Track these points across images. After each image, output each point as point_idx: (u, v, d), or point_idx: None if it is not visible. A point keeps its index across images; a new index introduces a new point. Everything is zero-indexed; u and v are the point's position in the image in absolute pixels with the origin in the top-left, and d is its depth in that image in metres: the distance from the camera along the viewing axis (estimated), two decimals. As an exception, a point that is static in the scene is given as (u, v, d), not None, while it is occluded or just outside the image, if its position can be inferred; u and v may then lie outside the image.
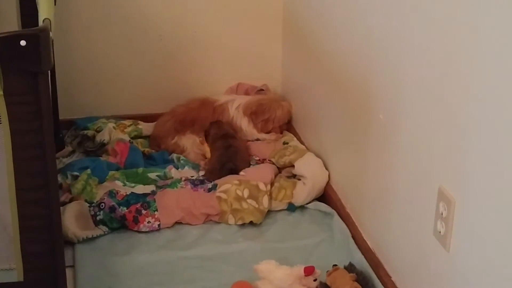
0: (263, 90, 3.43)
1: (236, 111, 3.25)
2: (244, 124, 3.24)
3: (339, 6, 2.65)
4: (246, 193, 2.73)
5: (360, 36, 2.43)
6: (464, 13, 1.73)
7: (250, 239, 2.62)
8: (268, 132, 3.26)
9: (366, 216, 2.51)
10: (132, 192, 2.74)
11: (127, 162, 2.99)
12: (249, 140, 3.24)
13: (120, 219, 2.64)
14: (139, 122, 3.33)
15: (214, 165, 2.95)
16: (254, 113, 3.24)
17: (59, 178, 2.77)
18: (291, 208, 2.80)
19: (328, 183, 2.84)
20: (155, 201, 2.69)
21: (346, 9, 2.57)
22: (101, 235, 2.61)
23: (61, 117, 3.13)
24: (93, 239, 2.59)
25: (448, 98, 1.83)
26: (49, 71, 1.76)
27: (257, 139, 3.25)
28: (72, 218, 2.58)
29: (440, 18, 1.85)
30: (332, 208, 2.74)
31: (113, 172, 2.90)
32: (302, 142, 3.16)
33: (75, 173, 2.83)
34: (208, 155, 3.10)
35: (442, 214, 1.89)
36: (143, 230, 2.65)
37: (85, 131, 3.19)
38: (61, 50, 3.09)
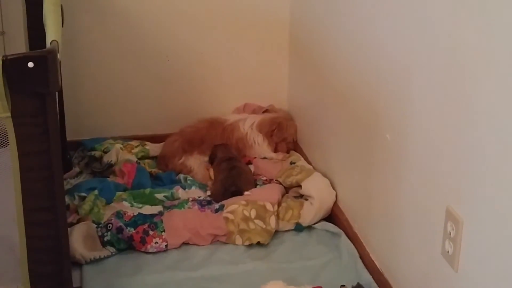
0: (268, 110, 3.45)
1: (250, 129, 3.27)
2: (260, 141, 3.26)
3: (345, 26, 2.66)
4: (253, 213, 2.73)
5: (367, 56, 2.44)
6: (473, 32, 1.73)
7: (258, 259, 2.62)
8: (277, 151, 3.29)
9: (373, 236, 2.51)
10: (139, 213, 2.74)
11: (134, 183, 3.00)
12: (255, 158, 3.25)
13: (127, 240, 2.64)
14: (146, 142, 3.34)
15: (218, 188, 2.95)
16: (275, 134, 3.27)
17: (67, 199, 2.78)
18: (299, 228, 2.79)
19: (335, 203, 2.84)
20: (162, 222, 2.69)
21: (353, 28, 2.58)
22: (108, 256, 2.61)
23: (68, 138, 3.14)
24: (100, 260, 2.58)
25: (455, 117, 1.83)
26: (56, 93, 1.76)
27: (264, 157, 3.25)
28: (79, 239, 2.58)
29: (447, 36, 1.86)
30: (340, 228, 2.73)
31: (121, 193, 2.90)
32: (309, 162, 3.16)
33: (83, 194, 2.84)
34: (213, 177, 3.11)
35: (450, 234, 1.88)
36: (150, 251, 2.65)
37: (93, 152, 3.20)
38: (68, 71, 3.10)
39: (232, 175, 2.98)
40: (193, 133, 3.25)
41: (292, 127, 3.35)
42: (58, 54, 1.71)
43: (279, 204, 2.81)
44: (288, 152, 3.31)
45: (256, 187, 2.98)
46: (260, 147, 3.27)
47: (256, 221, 2.72)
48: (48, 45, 1.82)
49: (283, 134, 3.30)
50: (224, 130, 3.26)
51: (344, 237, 2.66)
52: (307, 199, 2.85)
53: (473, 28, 1.72)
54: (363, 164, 2.55)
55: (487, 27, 1.66)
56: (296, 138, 3.36)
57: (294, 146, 3.35)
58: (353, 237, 2.64)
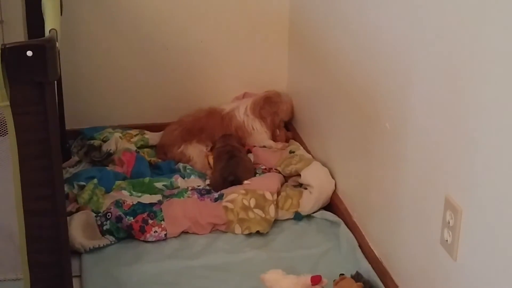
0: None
1: (245, 116, 3.26)
2: (257, 126, 3.25)
3: (344, 15, 2.65)
4: (252, 202, 2.73)
5: (367, 45, 2.43)
6: (471, 23, 1.73)
7: (257, 248, 2.62)
8: (275, 133, 3.27)
9: (373, 225, 2.51)
10: (138, 202, 2.74)
11: (134, 172, 3.00)
12: (254, 146, 3.24)
13: (126, 229, 2.64)
14: (146, 131, 3.34)
15: (217, 178, 2.95)
16: (263, 108, 3.26)
17: (66, 188, 2.78)
18: (298, 217, 2.79)
19: (334, 192, 2.84)
20: (161, 211, 2.69)
21: (353, 17, 2.57)
22: (107, 245, 2.61)
23: (67, 127, 3.13)
24: (99, 249, 2.59)
25: (454, 106, 1.83)
26: (55, 81, 1.76)
27: (264, 146, 3.25)
28: (78, 228, 2.58)
29: (446, 27, 1.86)
30: (339, 217, 2.73)
31: (120, 182, 2.90)
32: (308, 151, 3.15)
33: (82, 183, 2.84)
34: (212, 166, 3.11)
35: (449, 223, 1.88)
36: (149, 239, 2.65)
37: (92, 141, 3.20)
38: (67, 60, 3.09)
39: (230, 165, 2.97)
40: (192, 122, 3.25)
41: (284, 103, 3.32)
42: (57, 43, 1.70)
43: (278, 193, 2.81)
44: (287, 141, 3.31)
45: (255, 176, 2.98)
46: (258, 133, 3.26)
47: (256, 210, 2.72)
48: (47, 33, 1.81)
49: (272, 108, 3.29)
50: (222, 119, 3.26)
51: (343, 226, 2.67)
52: (306, 188, 2.85)
53: (471, 18, 1.72)
54: (363, 153, 2.55)
55: (486, 18, 1.66)
56: (292, 116, 3.35)
57: (293, 136, 3.34)
58: (352, 226, 2.64)
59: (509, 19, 1.56)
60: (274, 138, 3.29)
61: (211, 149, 3.17)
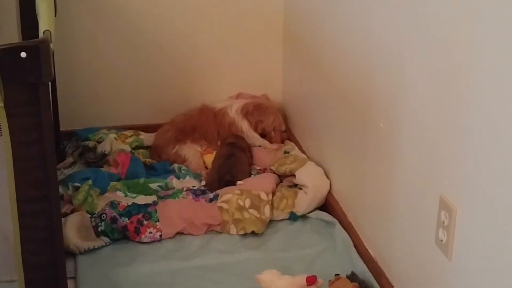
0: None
1: (236, 114, 3.25)
2: (245, 127, 3.24)
3: (339, 16, 2.65)
4: (247, 203, 2.73)
5: (361, 45, 2.43)
6: (466, 22, 1.73)
7: (252, 249, 2.62)
8: (270, 135, 3.26)
9: (368, 225, 2.51)
10: (133, 203, 2.74)
11: (128, 173, 2.99)
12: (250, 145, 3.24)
13: (121, 230, 2.64)
14: (140, 132, 3.34)
15: (213, 177, 2.94)
16: (250, 113, 3.24)
17: (60, 189, 2.77)
18: (293, 217, 2.79)
19: (329, 192, 2.84)
20: (156, 212, 2.69)
21: (346, 18, 2.57)
22: (102, 246, 2.61)
23: (62, 128, 3.13)
24: (94, 250, 2.58)
25: (449, 106, 1.83)
26: (49, 82, 1.76)
27: (259, 146, 3.24)
28: (73, 229, 2.58)
29: (441, 27, 1.86)
30: (334, 217, 2.73)
31: (115, 183, 2.90)
32: (303, 151, 3.15)
33: (76, 184, 2.83)
34: (208, 164, 3.10)
35: (443, 222, 1.88)
36: (144, 240, 2.65)
37: (86, 142, 3.20)
38: (61, 61, 3.09)
39: (227, 164, 2.97)
40: (184, 121, 3.24)
41: (273, 116, 3.29)
42: (51, 44, 1.70)
43: (273, 194, 2.81)
44: (282, 142, 3.31)
45: (250, 177, 2.98)
46: (248, 134, 3.25)
47: (251, 210, 2.72)
48: (41, 35, 1.81)
49: (260, 115, 3.26)
50: (215, 116, 3.25)
51: (338, 226, 2.67)
52: (301, 188, 2.85)
53: (466, 18, 1.72)
54: (357, 153, 2.55)
55: (479, 16, 1.66)
56: (279, 129, 3.31)
57: (288, 136, 3.34)
58: (347, 226, 2.64)
59: (504, 18, 1.57)
60: (269, 139, 3.28)
61: (221, 143, 3.16)
